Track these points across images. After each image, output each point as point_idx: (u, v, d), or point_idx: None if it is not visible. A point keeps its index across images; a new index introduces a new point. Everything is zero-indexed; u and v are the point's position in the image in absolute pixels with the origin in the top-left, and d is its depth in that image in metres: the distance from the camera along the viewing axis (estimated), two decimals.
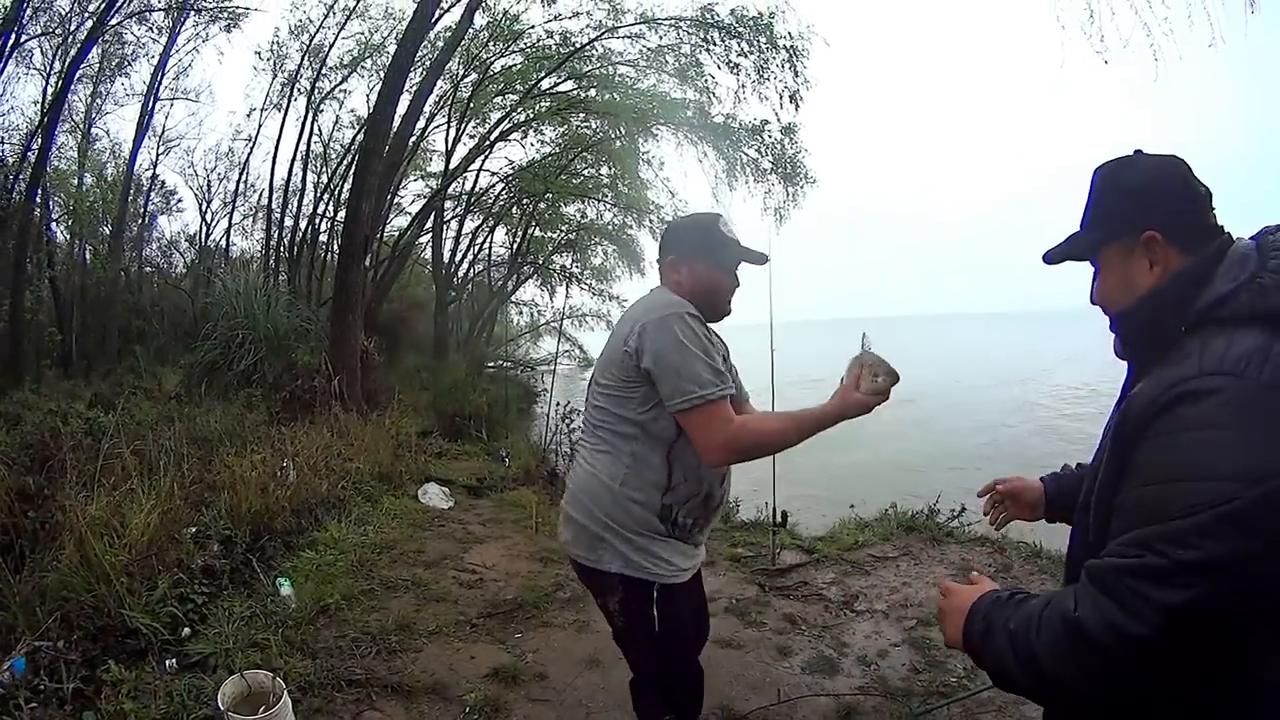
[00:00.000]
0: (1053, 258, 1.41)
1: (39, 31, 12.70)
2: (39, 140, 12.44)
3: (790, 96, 14.16)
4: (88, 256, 15.68)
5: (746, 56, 14.10)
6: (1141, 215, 1.26)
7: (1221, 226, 1.26)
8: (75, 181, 14.72)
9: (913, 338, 72.34)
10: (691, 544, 2.20)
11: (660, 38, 15.32)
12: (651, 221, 20.60)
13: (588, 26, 15.60)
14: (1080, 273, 1.41)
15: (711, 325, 2.21)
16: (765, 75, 14.07)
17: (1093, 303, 1.38)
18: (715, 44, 14.38)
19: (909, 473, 11.25)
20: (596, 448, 2.20)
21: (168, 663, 3.54)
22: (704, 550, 2.32)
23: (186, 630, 3.84)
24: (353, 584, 4.70)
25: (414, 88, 12.68)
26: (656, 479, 2.09)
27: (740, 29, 13.84)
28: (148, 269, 19.36)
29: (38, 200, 12.80)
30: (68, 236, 15.50)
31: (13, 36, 11.83)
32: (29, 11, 11.90)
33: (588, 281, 24.95)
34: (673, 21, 14.67)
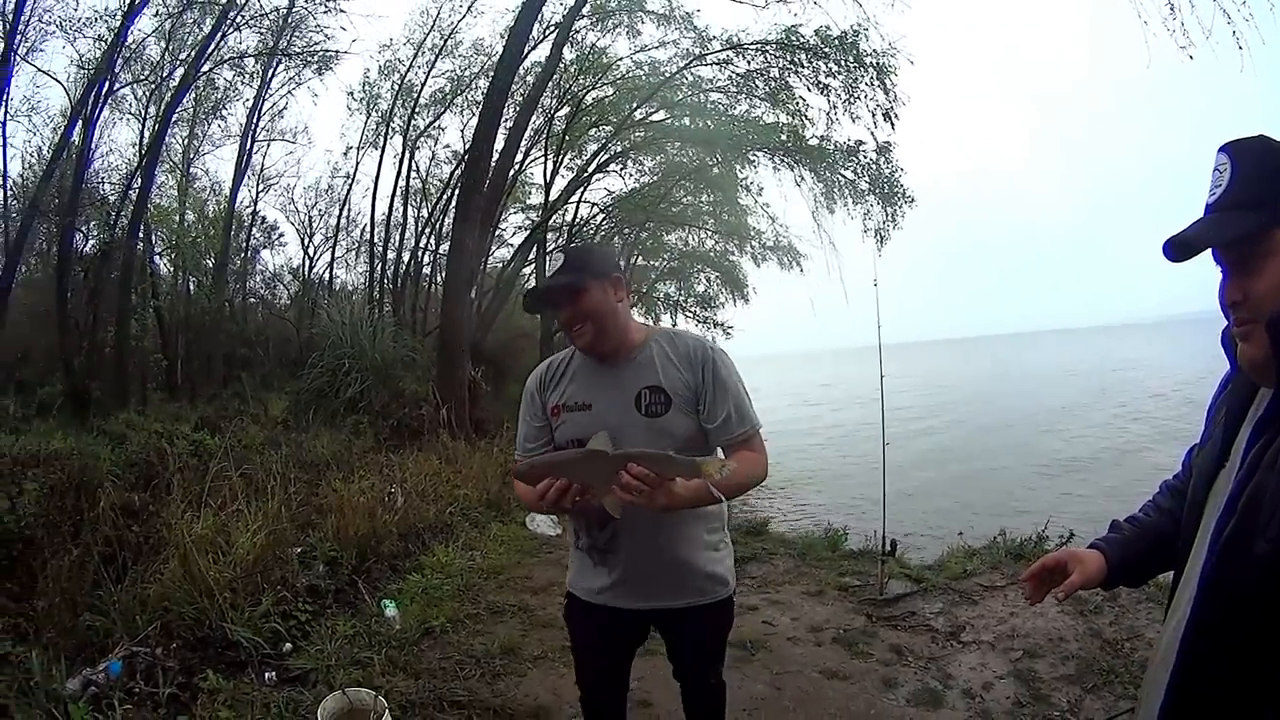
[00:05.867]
0: (1190, 245, 1.09)
1: (131, 79, 13.38)
2: (139, 180, 13.03)
3: (884, 114, 13.91)
4: (192, 288, 16.27)
5: (835, 77, 13.90)
6: None
7: None
8: (176, 218, 15.28)
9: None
10: (603, 565, 2.18)
11: (748, 63, 15.19)
12: (753, 248, 20.64)
13: (675, 56, 15.76)
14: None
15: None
16: (855, 94, 13.86)
17: (1230, 303, 1.11)
18: (803, 66, 14.21)
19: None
20: None
21: (267, 675, 3.56)
22: (640, 588, 2.15)
23: (288, 646, 3.88)
24: (459, 608, 4.71)
25: (509, 123, 12.90)
26: None
27: (826, 49, 13.63)
28: (252, 300, 19.98)
29: (140, 236, 13.32)
30: (171, 270, 16.13)
31: (106, 84, 12.45)
32: (120, 61, 12.51)
33: (692, 309, 24.41)
34: (758, 46, 14.57)
